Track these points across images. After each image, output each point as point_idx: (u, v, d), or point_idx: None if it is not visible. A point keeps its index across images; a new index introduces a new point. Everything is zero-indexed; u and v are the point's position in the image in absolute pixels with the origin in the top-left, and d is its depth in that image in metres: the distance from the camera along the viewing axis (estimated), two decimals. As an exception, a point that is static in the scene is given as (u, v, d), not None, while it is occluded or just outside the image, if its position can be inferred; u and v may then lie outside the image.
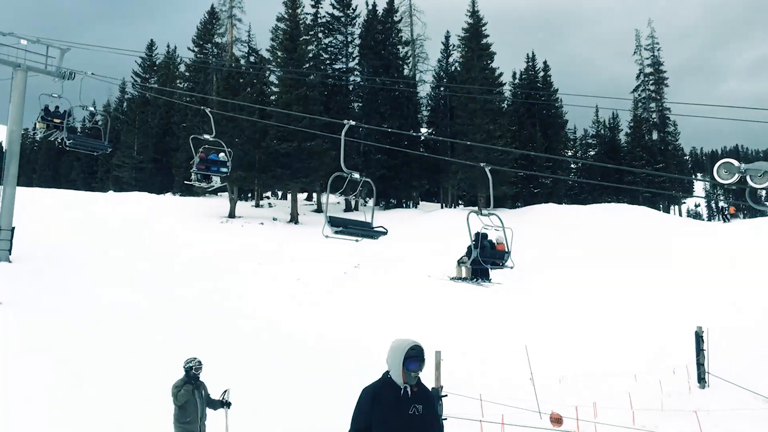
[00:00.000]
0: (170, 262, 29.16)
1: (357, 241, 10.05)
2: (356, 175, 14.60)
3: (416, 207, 56.68)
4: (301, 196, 54.32)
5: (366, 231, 10.00)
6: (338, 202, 55.70)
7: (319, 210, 49.94)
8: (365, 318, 23.58)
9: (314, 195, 55.13)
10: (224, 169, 16.12)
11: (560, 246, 36.21)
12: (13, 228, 25.07)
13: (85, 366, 15.83)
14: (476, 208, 13.14)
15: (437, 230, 38.80)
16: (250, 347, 19.25)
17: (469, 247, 14.36)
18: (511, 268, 13.13)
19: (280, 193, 60.66)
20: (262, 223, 41.14)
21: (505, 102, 56.50)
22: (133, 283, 24.63)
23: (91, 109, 14.51)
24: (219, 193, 53.97)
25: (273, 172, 44.18)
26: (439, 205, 56.92)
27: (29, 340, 17.29)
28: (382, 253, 32.90)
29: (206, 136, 15.47)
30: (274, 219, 42.95)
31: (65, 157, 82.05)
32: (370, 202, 20.27)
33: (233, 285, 26.75)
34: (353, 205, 52.10)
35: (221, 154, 16.17)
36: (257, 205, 51.12)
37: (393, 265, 31.20)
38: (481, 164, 9.40)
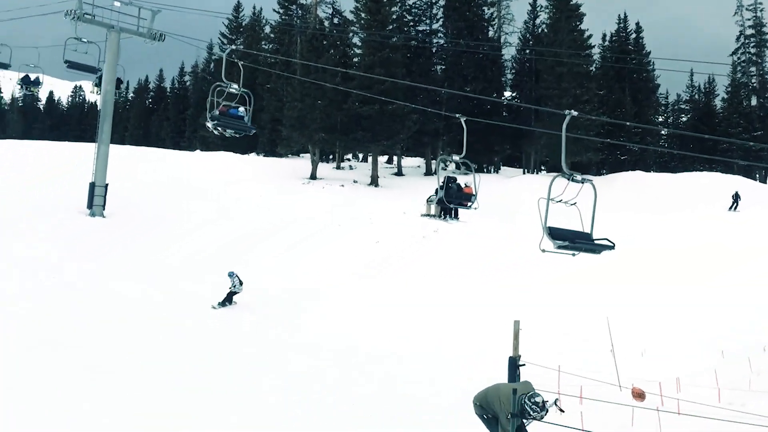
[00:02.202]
0: (252, 221, 29.85)
1: (574, 255, 8.99)
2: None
3: (497, 172, 55.91)
4: (382, 159, 54.36)
5: (590, 245, 8.73)
6: (418, 166, 55.56)
7: (399, 173, 49.91)
8: (443, 282, 23.55)
9: (394, 158, 55.11)
10: (242, 124, 16.54)
11: (645, 214, 35.00)
12: (107, 184, 26.20)
13: (178, 308, 16.48)
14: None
15: (518, 196, 38.17)
16: (331, 304, 19.58)
17: (437, 189, 16.38)
18: (476, 209, 15.73)
19: (360, 156, 60.96)
20: (342, 185, 41.51)
21: (594, 65, 54.51)
22: (218, 240, 25.37)
23: (234, 87, 14.89)
24: (301, 155, 54.71)
25: (354, 134, 44.36)
26: (521, 170, 55.92)
27: (122, 290, 18.14)
28: (460, 215, 32.58)
29: (233, 88, 15.63)
30: (355, 181, 43.23)
31: (155, 116, 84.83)
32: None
33: (313, 246, 27.17)
34: (433, 170, 51.83)
35: (241, 108, 16.53)
36: (338, 167, 51.55)
37: (471, 229, 30.92)
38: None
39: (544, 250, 8.62)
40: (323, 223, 31.14)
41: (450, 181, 16.85)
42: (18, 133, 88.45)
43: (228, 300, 18.71)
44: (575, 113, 8.69)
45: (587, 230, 8.60)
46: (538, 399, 7.50)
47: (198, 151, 54.56)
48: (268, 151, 56.32)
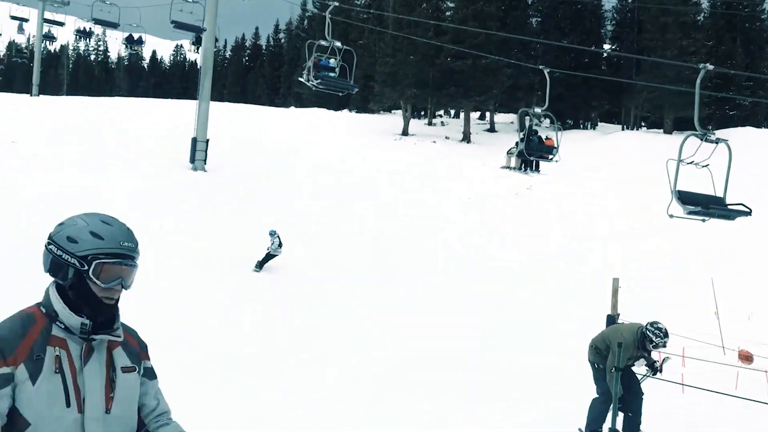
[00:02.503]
0: (344, 177, 30.24)
1: (704, 221, 8.59)
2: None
3: (594, 128, 54.10)
4: (474, 115, 53.61)
5: (723, 211, 8.25)
6: (511, 122, 54.47)
7: (491, 129, 49.14)
8: (536, 240, 23.24)
9: (487, 114, 54.23)
10: (332, 74, 17.06)
11: (755, 172, 33.15)
12: (208, 140, 27.08)
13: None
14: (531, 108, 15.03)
15: (615, 154, 36.92)
16: (424, 264, 19.70)
17: (517, 141, 16.35)
18: (557, 161, 15.84)
19: (452, 112, 60.32)
20: (434, 141, 41.31)
21: (702, 14, 51.40)
22: (314, 195, 25.87)
23: (338, 44, 15.45)
24: (393, 111, 54.67)
25: (447, 90, 43.88)
26: (620, 127, 53.89)
27: (222, 242, 18.88)
28: (556, 176, 31.92)
29: (322, 42, 16.03)
30: (447, 138, 42.93)
31: (252, 73, 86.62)
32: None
33: (406, 202, 27.29)
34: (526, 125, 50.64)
35: (332, 60, 16.91)
36: (430, 123, 51.24)
37: (563, 188, 30.24)
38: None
39: (672, 216, 8.19)
40: (414, 179, 31.18)
41: (531, 133, 17.08)
42: (125, 91, 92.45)
43: (265, 261, 17.76)
44: (711, 67, 8.18)
45: (719, 194, 8.05)
46: (660, 325, 7.50)
47: (292, 107, 55.42)
48: (361, 107, 56.55)
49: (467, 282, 17.55)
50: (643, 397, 7.55)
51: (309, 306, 14.28)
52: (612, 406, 5.61)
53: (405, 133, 42.95)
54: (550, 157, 16.49)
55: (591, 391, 7.83)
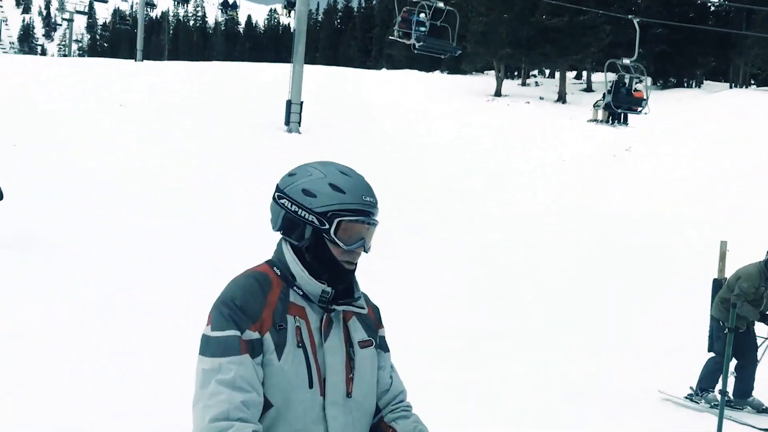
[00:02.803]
0: (435, 139, 30.13)
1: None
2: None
3: (699, 87, 51.41)
4: (570, 75, 51.98)
5: None
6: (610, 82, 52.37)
7: (588, 89, 47.54)
8: (636, 202, 22.52)
9: (584, 73, 52.41)
10: (423, 29, 16.78)
11: None
12: (302, 102, 27.54)
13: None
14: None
15: (722, 113, 35.01)
16: (504, 225, 19.48)
17: (604, 93, 15.82)
18: (646, 114, 15.23)
19: (547, 72, 58.66)
20: (528, 102, 40.38)
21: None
22: (405, 157, 25.95)
23: (440, 4, 15.41)
24: (485, 72, 53.71)
25: (542, 49, 42.63)
26: (728, 85, 50.97)
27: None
28: (655, 134, 30.67)
29: (439, 5, 15.82)
30: (541, 98, 41.84)
31: (344, 36, 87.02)
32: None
33: (494, 165, 26.94)
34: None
35: (422, 15, 16.63)
36: (523, 84, 50.09)
37: (665, 149, 29.00)
38: None
39: None
40: (506, 141, 30.70)
41: (620, 84, 17.07)
42: (221, 56, 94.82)
43: None
44: None
45: None
46: None
47: (384, 69, 55.37)
48: (452, 68, 55.83)
49: (563, 245, 17.25)
50: (758, 363, 7.29)
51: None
52: (724, 366, 5.47)
53: (498, 94, 42.17)
54: (639, 109, 16.08)
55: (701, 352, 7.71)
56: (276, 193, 2.13)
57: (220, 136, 24.27)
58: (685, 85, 52.40)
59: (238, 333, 1.92)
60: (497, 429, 5.95)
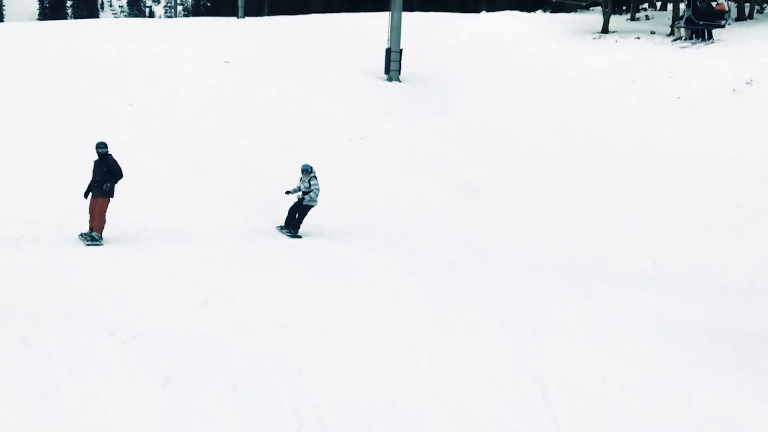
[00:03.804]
0: (541, 81, 29.21)
1: None
2: None
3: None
4: (683, 6, 48.76)
5: None
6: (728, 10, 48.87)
7: (704, 20, 44.49)
8: (756, 140, 21.13)
9: (698, 4, 48.95)
10: None
11: None
12: (401, 50, 27.33)
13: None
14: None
15: None
16: (619, 168, 18.83)
17: (684, 9, 13.34)
18: (730, 25, 13.47)
19: (659, 4, 55.24)
20: (638, 38, 38.23)
21: None
22: (510, 104, 25.38)
23: None
24: (591, 8, 51.21)
25: (651, -21, 40.15)
26: None
27: (417, 153, 19.27)
28: (715, 38, 28.38)
29: None
30: (652, 32, 39.50)
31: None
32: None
33: (602, 103, 25.90)
34: (747, 13, 45.48)
35: None
36: (633, 18, 47.37)
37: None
38: None
39: None
40: (614, 78, 29.37)
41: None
42: (320, 8, 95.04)
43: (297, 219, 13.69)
44: None
45: None
46: None
47: (483, 12, 53.88)
48: (555, 6, 53.58)
49: (678, 189, 16.52)
50: None
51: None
52: None
53: (605, 30, 40.12)
54: (723, 22, 15.10)
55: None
56: None
57: (322, 88, 24.55)
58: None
59: None
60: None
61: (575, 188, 16.58)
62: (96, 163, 12.15)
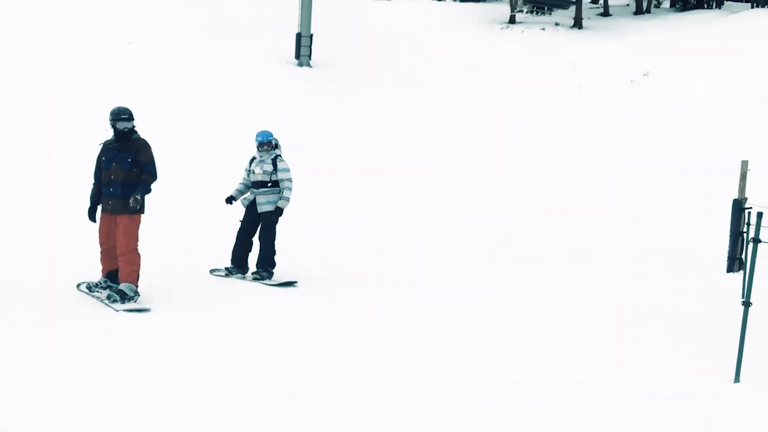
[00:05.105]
0: (452, 69, 29.56)
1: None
2: None
3: (720, 8, 49.86)
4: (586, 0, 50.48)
5: None
6: (627, 5, 51.05)
7: (605, 14, 46.25)
8: (654, 129, 22.14)
9: (600, -3, 50.82)
10: None
11: None
12: (312, 35, 27.00)
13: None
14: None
15: (743, 34, 34.01)
16: (521, 155, 19.28)
17: None
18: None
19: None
20: (543, 29, 39.39)
21: None
22: (420, 91, 25.51)
23: None
24: (498, -1, 52.20)
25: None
26: (749, 5, 49.34)
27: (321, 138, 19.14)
28: (676, 60, 29.96)
29: None
30: (557, 24, 40.72)
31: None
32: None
33: (509, 91, 26.45)
34: (644, 7, 47.48)
35: None
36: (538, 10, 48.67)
37: (684, 74, 28.34)
38: None
39: None
40: (521, 67, 30.11)
41: None
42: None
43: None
44: None
45: None
46: None
47: (394, -1, 53.92)
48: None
49: (578, 173, 17.09)
50: None
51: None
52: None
53: (512, 21, 41.07)
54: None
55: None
56: None
57: (228, 72, 23.94)
58: (705, 6, 50.86)
59: None
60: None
61: (475, 175, 16.78)
62: (108, 148, 6.99)
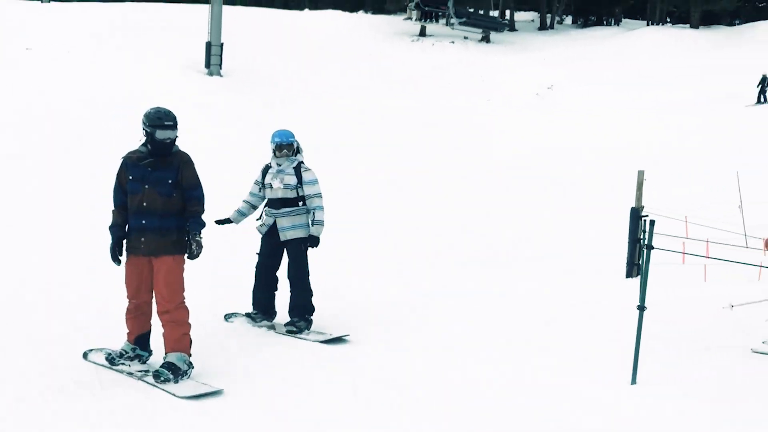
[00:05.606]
0: (364, 80, 29.79)
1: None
2: None
3: (618, 25, 52.47)
4: (494, 14, 51.98)
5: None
6: (532, 20, 52.93)
7: (512, 29, 47.77)
8: (557, 140, 22.97)
9: (507, 12, 52.52)
10: None
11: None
12: (222, 44, 26.61)
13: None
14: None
15: (639, 51, 35.89)
16: (436, 164, 19.57)
17: None
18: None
19: (471, 10, 58.42)
20: (452, 42, 40.38)
21: None
22: (331, 102, 25.55)
23: None
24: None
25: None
26: (645, 22, 52.15)
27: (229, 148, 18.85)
28: (577, 74, 31.26)
29: None
30: (465, 38, 41.81)
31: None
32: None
33: (421, 104, 26.88)
34: (548, 23, 49.36)
35: None
36: (447, 24, 49.78)
37: (585, 87, 29.64)
38: None
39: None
40: (431, 81, 30.70)
41: None
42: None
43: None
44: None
45: None
46: None
47: (306, 9, 53.95)
48: (377, 8, 54.95)
49: (484, 183, 17.53)
50: None
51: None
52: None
53: (422, 34, 41.91)
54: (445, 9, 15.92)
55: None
56: None
57: (136, 80, 23.27)
58: (605, 23, 53.41)
59: None
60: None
61: (385, 187, 16.89)
62: (139, 165, 5.06)
